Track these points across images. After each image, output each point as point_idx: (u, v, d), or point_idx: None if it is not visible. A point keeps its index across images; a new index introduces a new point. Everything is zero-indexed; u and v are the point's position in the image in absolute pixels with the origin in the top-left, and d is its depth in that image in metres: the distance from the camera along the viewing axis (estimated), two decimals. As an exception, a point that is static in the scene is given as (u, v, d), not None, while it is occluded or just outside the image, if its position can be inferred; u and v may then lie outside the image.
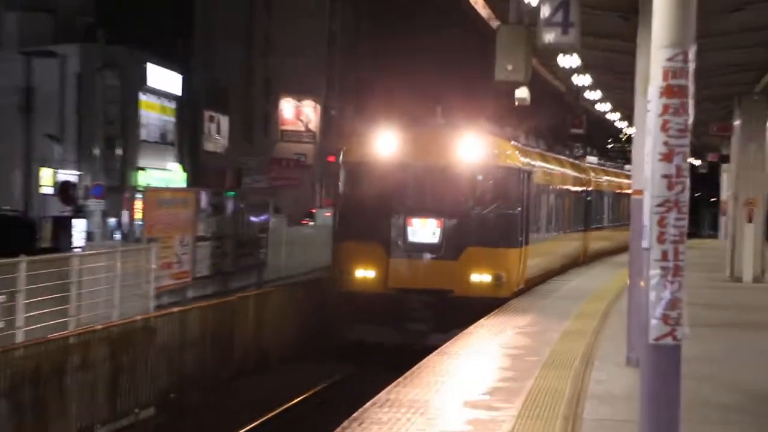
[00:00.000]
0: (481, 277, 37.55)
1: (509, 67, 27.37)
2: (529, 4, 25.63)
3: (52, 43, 70.20)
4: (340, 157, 41.22)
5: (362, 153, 39.74)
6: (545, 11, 24.00)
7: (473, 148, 38.29)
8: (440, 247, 37.36)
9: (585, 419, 17.65)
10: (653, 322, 11.34)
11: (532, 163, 42.89)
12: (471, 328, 28.99)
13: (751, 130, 46.16)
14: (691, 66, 11.39)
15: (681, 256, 11.32)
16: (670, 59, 11.33)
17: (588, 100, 51.95)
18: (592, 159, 74.69)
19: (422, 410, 17.87)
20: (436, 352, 24.82)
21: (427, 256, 37.48)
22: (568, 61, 34.46)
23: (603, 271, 54.17)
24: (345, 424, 16.88)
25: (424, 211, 37.54)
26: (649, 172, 11.42)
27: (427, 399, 18.96)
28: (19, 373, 25.41)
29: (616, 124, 69.27)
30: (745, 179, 46.39)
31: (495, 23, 31.82)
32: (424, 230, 37.60)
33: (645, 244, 11.43)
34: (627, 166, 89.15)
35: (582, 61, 35.06)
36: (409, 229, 37.41)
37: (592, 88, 46.14)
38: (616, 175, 78.24)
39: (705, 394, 12.29)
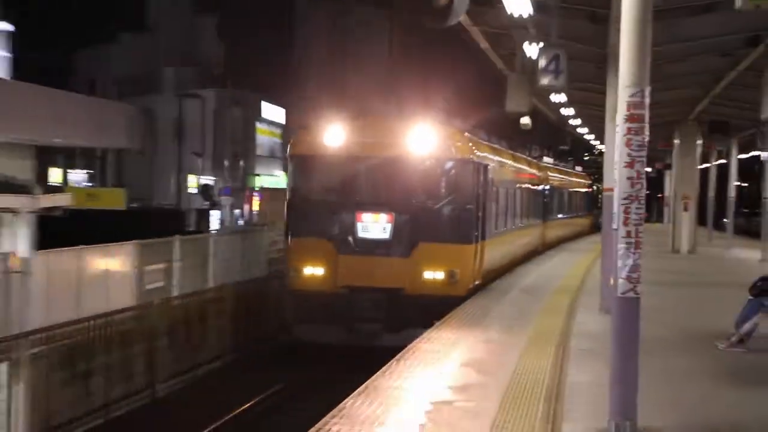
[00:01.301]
0: (434, 275, 26.34)
1: (516, 103, 27.47)
2: (530, 57, 25.59)
3: (197, 88, 72.29)
4: (288, 150, 29.49)
5: (310, 145, 28.06)
6: (542, 62, 23.98)
7: (426, 140, 26.91)
8: (391, 243, 26.45)
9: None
10: (620, 281, 11.45)
11: (489, 156, 30.78)
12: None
13: (686, 146, 45.81)
14: (647, 100, 11.49)
15: (640, 235, 11.45)
16: (632, 96, 11.43)
17: (570, 124, 51.94)
18: (547, 159, 60.05)
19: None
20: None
21: (378, 252, 26.53)
22: (558, 98, 34.39)
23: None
24: None
25: (374, 206, 26.61)
26: (617, 175, 11.50)
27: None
28: (174, 317, 26.20)
29: (591, 141, 68.70)
30: (681, 181, 46.23)
31: (506, 72, 31.83)
32: (375, 225, 26.76)
33: (614, 226, 11.52)
34: (577, 167, 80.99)
35: (567, 97, 34.95)
36: (359, 225, 26.69)
37: (574, 117, 46.52)
38: (569, 174, 65.34)
39: (654, 332, 12.45)
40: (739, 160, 52.56)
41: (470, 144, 27.55)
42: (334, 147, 26.36)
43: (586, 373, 15.06)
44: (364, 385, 14.24)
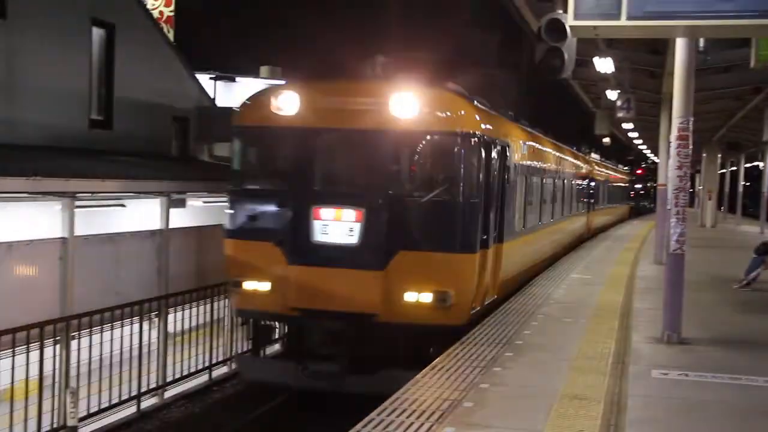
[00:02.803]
0: (417, 296, 11.88)
1: (601, 128, 27.52)
2: (610, 99, 25.64)
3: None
4: (231, 122, 13.31)
5: (259, 115, 12.92)
6: (619, 102, 23.97)
7: (412, 107, 12.20)
8: (359, 250, 11.99)
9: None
10: (672, 242, 11.47)
11: (511, 135, 15.60)
12: None
13: (711, 158, 44.79)
14: (691, 126, 11.51)
15: (684, 213, 11.42)
16: (681, 123, 11.50)
17: (634, 142, 51.19)
18: (594, 156, 41.45)
19: None
20: None
21: (341, 263, 12.10)
22: (628, 126, 34.18)
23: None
24: None
25: (337, 198, 12.22)
26: (670, 174, 11.71)
27: None
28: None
29: (644, 151, 66.71)
30: (707, 180, 45.07)
31: (594, 108, 31.81)
32: (338, 225, 12.16)
33: (669, 206, 11.72)
34: (620, 165, 61.56)
35: (633, 125, 34.73)
36: (316, 224, 12.24)
37: (638, 137, 45.61)
38: (614, 170, 49.69)
39: (689, 277, 12.36)
40: (746, 168, 51.53)
41: (478, 114, 13.12)
42: (287, 117, 12.65)
43: (645, 302, 14.85)
44: None
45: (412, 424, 7.25)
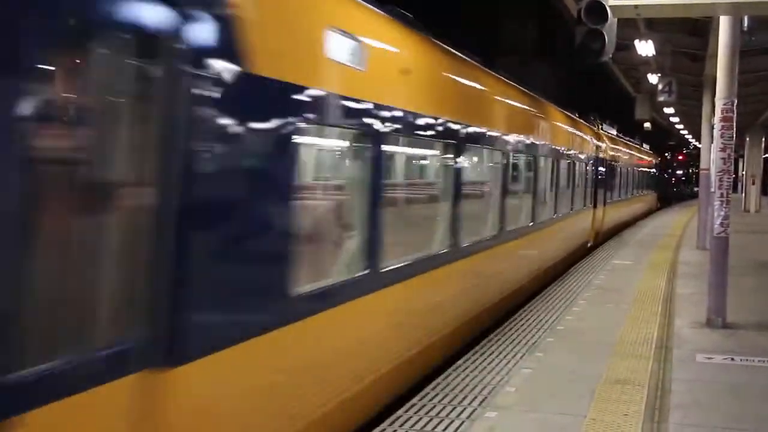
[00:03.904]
0: None
1: (642, 113, 27.25)
2: (652, 83, 25.37)
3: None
4: None
5: None
6: (660, 86, 23.72)
7: None
8: None
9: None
10: (716, 226, 11.40)
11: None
12: None
13: (754, 142, 44.24)
14: (734, 107, 11.45)
15: (729, 196, 11.35)
16: (724, 104, 11.40)
17: (674, 125, 50.76)
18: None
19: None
20: None
21: None
22: (669, 110, 33.84)
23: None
24: None
25: None
26: (714, 157, 11.62)
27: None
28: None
29: (686, 136, 66.10)
30: (750, 165, 44.59)
31: (634, 93, 31.54)
32: None
33: (713, 189, 11.64)
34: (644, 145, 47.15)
35: (674, 109, 34.38)
36: None
37: (679, 122, 45.16)
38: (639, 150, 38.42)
39: (732, 261, 12.15)
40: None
41: None
42: None
43: (688, 287, 14.75)
44: None
45: (454, 408, 7.24)
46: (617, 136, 29.89)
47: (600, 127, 25.19)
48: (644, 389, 7.97)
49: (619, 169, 27.45)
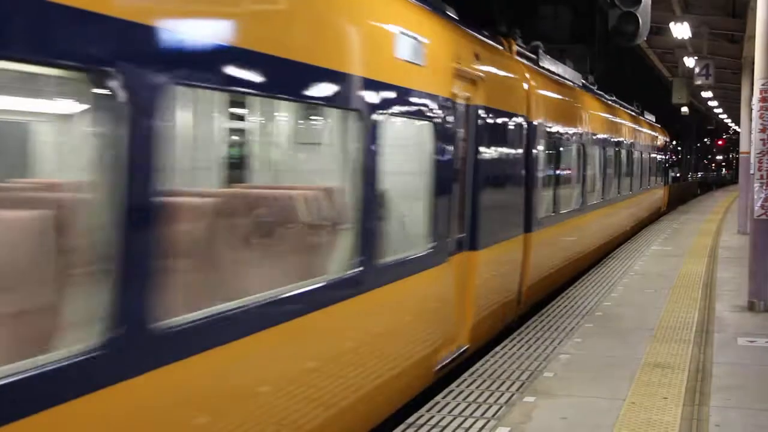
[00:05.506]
0: None
1: (679, 97, 27.01)
2: (688, 66, 25.14)
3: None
4: None
5: None
6: (697, 69, 23.49)
7: None
8: None
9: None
10: (756, 208, 11.29)
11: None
12: None
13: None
14: None
15: None
16: (763, 84, 11.28)
17: (712, 109, 50.21)
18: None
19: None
20: None
21: None
22: (707, 94, 33.50)
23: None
24: None
25: None
26: (753, 138, 11.49)
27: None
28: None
29: (725, 120, 65.37)
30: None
31: (670, 77, 31.25)
32: None
33: (752, 171, 11.52)
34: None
35: (713, 93, 34.01)
36: None
37: (717, 105, 44.63)
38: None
39: None
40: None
41: None
42: None
43: (729, 272, 14.64)
44: None
45: (492, 393, 7.28)
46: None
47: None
48: (684, 373, 7.91)
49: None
